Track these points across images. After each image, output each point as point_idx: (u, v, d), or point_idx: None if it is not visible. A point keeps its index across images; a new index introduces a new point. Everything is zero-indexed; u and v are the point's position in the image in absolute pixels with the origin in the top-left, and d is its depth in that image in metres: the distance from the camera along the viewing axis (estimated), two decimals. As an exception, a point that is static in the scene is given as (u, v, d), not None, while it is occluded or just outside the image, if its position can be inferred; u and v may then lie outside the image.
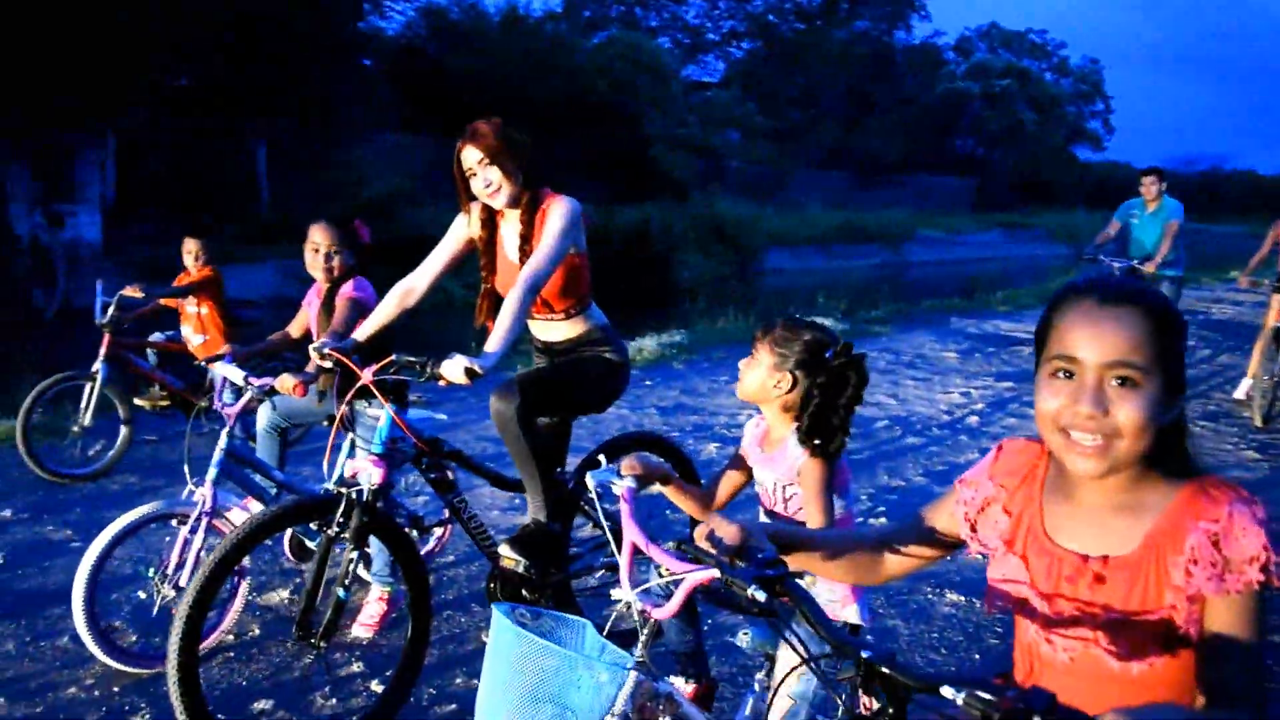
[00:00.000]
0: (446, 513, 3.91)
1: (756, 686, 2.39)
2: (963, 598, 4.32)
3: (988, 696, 1.11)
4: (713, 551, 1.56)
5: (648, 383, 8.67)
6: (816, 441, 2.37)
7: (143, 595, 3.74)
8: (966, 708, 1.13)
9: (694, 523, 4.02)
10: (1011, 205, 48.70)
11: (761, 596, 1.41)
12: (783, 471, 2.48)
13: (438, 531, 4.49)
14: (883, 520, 5.22)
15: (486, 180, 3.29)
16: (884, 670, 1.28)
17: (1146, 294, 1.42)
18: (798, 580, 1.48)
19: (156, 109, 20.60)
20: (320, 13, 22.81)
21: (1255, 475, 6.31)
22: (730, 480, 2.64)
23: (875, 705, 1.32)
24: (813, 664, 1.44)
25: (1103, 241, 8.71)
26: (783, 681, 1.73)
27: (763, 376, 2.47)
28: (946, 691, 1.16)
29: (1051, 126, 54.46)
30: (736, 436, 6.93)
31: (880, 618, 4.11)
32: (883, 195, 43.51)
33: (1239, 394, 8.44)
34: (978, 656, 3.84)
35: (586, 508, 3.64)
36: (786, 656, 2.24)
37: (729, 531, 1.57)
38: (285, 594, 4.23)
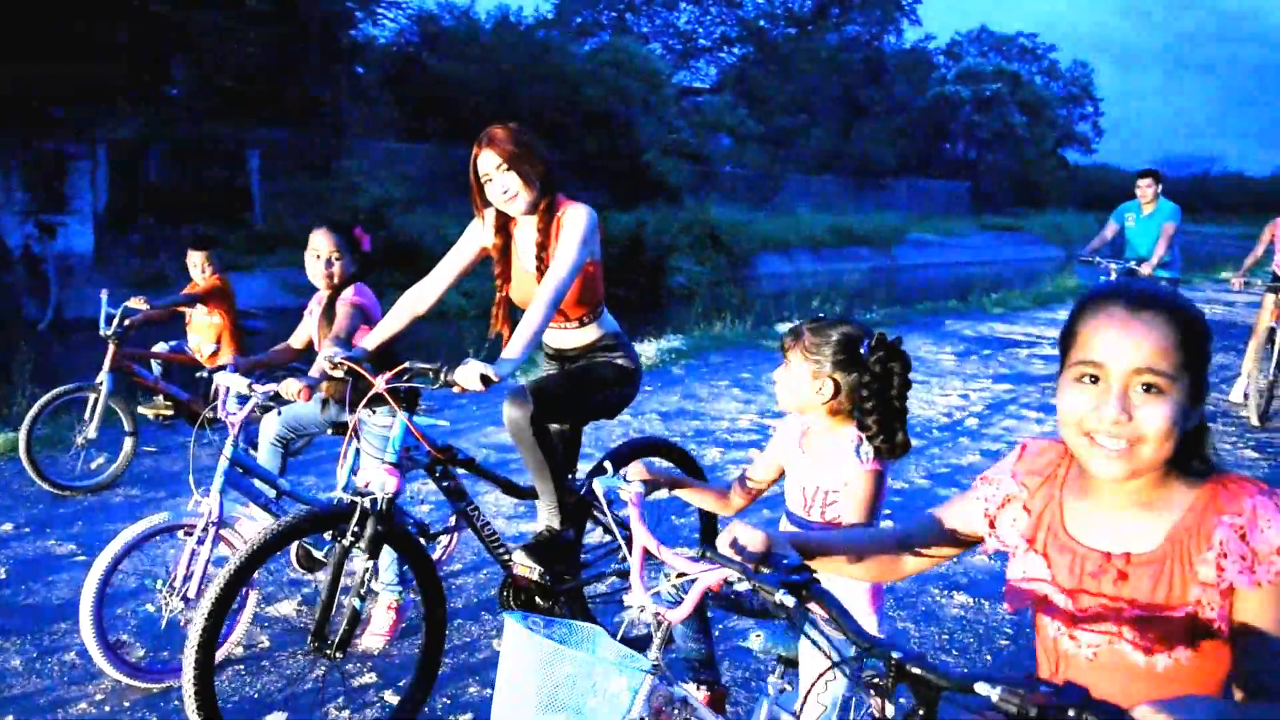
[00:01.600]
0: (452, 520, 3.89)
1: (770, 690, 2.36)
2: (971, 599, 4.32)
3: (1022, 692, 1.13)
4: (737, 558, 1.56)
5: (648, 388, 8.65)
6: (881, 442, 2.33)
7: (150, 608, 3.71)
8: (1002, 704, 1.14)
9: (703, 528, 4.05)
10: (1004, 208, 48.84)
11: (790, 601, 1.42)
12: (829, 479, 2.43)
13: (444, 540, 4.47)
14: (888, 523, 5.20)
15: (504, 186, 3.25)
16: (915, 670, 1.28)
17: (1176, 301, 1.42)
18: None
19: (149, 118, 20.53)
20: (313, 21, 22.78)
21: (1255, 474, 6.22)
22: (754, 482, 2.60)
23: (891, 710, 1.33)
24: (843, 667, 1.45)
25: (1099, 245, 8.71)
26: (812, 687, 1.73)
27: (802, 385, 2.42)
28: (981, 688, 1.17)
29: (1042, 130, 54.58)
30: (739, 441, 6.94)
31: (889, 620, 4.11)
32: (876, 199, 43.60)
33: (1235, 394, 8.46)
34: (989, 658, 3.84)
35: (598, 514, 3.62)
36: (810, 659, 2.22)
37: (754, 538, 1.58)
38: (294, 605, 4.21)
